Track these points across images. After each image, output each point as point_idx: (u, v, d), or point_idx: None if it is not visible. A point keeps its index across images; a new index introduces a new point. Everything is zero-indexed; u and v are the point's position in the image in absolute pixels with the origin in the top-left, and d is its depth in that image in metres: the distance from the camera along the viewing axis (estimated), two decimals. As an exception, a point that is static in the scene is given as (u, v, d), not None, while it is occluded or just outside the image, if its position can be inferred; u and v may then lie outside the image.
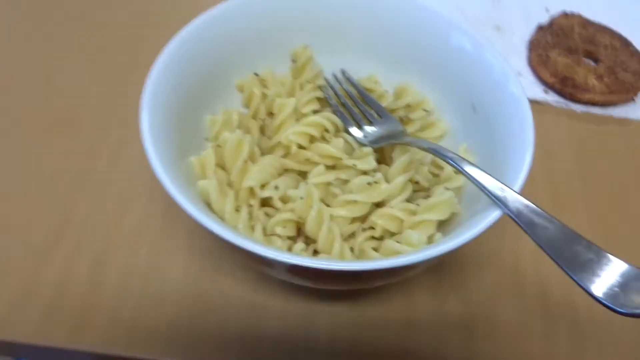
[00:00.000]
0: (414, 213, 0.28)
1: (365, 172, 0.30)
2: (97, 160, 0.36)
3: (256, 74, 0.35)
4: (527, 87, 0.43)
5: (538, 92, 0.42)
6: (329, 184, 0.30)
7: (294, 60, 0.35)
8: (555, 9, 0.47)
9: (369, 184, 0.29)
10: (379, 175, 0.29)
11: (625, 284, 0.20)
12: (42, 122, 0.37)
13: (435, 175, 0.32)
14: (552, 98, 0.42)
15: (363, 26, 0.35)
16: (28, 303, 0.30)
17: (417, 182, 0.31)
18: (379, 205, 0.29)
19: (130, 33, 0.43)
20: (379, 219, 0.29)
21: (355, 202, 0.28)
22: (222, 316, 0.29)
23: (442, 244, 0.23)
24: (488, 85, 0.31)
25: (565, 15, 0.47)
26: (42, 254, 0.31)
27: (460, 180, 0.30)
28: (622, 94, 0.42)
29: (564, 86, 0.42)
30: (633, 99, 0.42)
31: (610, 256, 0.21)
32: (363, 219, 0.29)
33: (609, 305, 0.19)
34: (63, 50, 0.42)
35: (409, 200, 0.30)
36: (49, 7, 0.45)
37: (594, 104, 0.42)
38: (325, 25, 0.35)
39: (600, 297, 0.19)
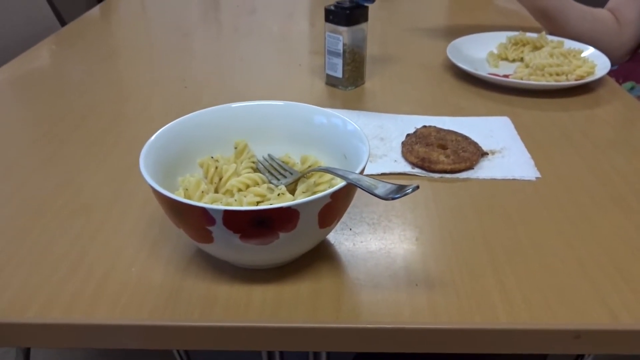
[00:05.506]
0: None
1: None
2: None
3: (211, 157, 0.54)
4: (400, 167, 0.63)
5: (408, 168, 0.63)
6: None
7: (235, 147, 0.55)
8: (419, 125, 0.71)
9: (279, 195, 0.47)
10: (284, 188, 0.47)
11: (389, 191, 0.38)
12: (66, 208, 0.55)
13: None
14: (417, 171, 0.62)
15: (278, 126, 0.56)
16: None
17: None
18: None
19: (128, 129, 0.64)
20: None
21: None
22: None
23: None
24: (351, 142, 0.51)
25: (425, 127, 0.70)
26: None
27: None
28: (462, 163, 0.62)
29: (423, 162, 0.62)
30: (472, 167, 0.63)
31: (385, 182, 0.40)
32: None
33: (383, 197, 0.38)
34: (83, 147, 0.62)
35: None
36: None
37: (445, 172, 0.62)
38: (257, 127, 0.56)
39: (381, 195, 0.38)
